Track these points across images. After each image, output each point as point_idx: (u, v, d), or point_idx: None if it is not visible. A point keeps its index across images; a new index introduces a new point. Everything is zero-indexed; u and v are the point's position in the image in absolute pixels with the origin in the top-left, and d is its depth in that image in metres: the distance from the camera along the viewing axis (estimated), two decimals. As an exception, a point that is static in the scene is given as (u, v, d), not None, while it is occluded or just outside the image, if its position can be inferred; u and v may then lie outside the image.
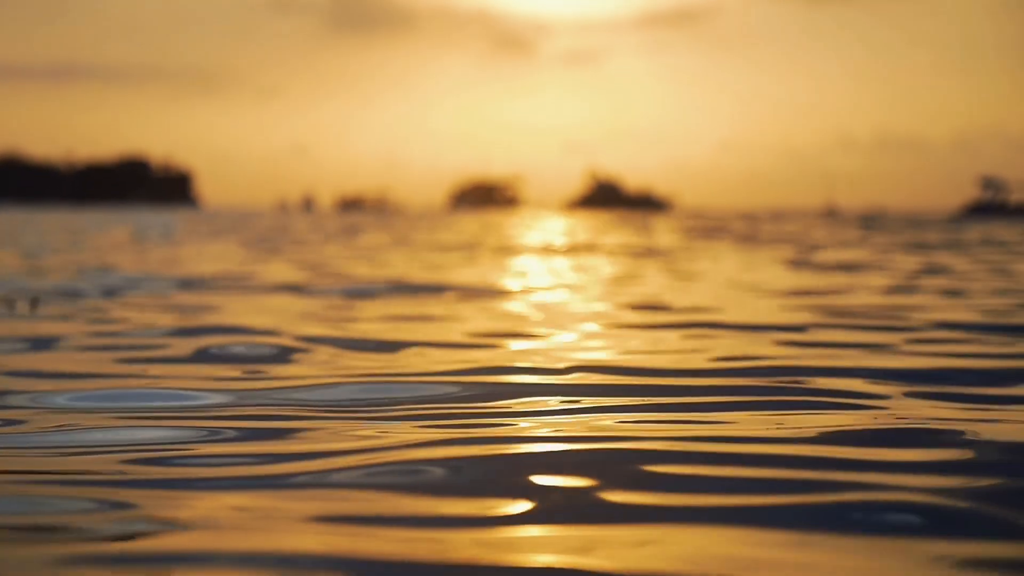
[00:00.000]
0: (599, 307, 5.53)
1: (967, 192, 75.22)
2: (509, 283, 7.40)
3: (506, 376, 3.07)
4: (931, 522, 1.68)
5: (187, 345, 3.75)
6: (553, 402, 2.65)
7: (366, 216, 52.54)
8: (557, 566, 1.49)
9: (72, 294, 6.16)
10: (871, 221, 41.93)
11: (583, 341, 3.97)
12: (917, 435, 2.26)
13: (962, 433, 2.25)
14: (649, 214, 75.65)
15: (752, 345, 3.83)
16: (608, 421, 2.40)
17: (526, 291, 6.65)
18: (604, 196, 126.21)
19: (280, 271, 8.60)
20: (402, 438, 2.24)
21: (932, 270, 9.25)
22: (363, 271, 8.74)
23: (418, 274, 8.31)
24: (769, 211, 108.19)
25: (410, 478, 1.92)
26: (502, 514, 1.71)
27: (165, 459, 2.09)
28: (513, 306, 5.58)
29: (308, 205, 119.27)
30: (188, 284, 6.93)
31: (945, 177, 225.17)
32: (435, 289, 6.72)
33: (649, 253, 11.87)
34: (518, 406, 2.59)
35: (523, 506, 1.76)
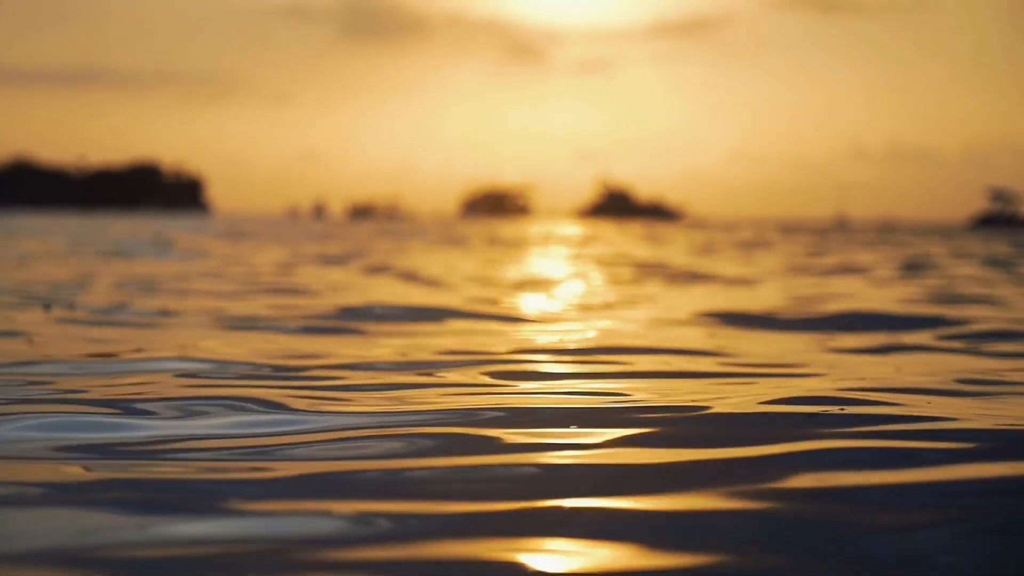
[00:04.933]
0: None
1: (978, 204, 75.02)
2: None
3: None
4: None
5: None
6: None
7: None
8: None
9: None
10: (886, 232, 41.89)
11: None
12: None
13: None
14: (660, 223, 75.65)
15: None
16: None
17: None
18: (615, 205, 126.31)
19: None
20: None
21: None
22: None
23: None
24: (780, 221, 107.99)
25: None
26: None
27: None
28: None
29: (319, 212, 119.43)
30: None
31: (956, 188, 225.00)
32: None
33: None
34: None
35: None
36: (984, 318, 5.49)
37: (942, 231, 48.90)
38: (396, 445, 2.22)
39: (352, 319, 5.12)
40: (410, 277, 8.78)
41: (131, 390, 2.89)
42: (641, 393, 2.87)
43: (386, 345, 4.05)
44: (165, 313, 5.32)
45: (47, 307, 5.54)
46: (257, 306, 5.81)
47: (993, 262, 13.63)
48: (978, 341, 4.44)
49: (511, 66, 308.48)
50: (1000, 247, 21.38)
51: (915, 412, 2.57)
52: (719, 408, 2.60)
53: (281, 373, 3.28)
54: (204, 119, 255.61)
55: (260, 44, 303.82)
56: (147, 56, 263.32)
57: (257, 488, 1.90)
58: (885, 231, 49.84)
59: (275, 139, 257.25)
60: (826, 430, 2.34)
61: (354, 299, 6.31)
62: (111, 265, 9.98)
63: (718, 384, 3.11)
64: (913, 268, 11.60)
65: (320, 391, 2.90)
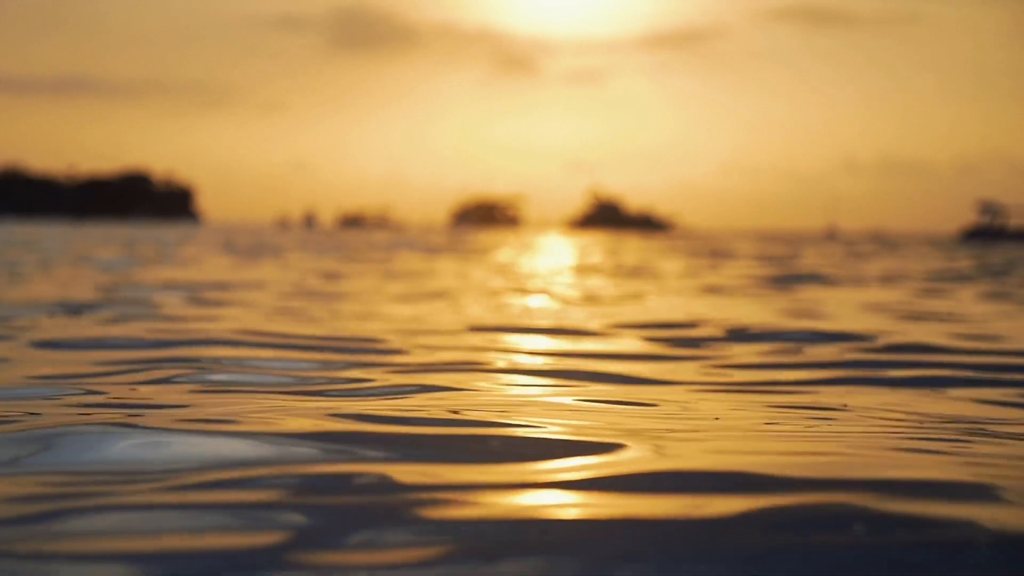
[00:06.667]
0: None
1: (969, 216, 75.23)
2: None
3: None
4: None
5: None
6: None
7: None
8: None
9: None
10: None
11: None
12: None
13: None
14: (650, 235, 75.82)
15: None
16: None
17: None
18: (605, 216, 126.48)
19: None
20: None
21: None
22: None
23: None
24: (770, 233, 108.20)
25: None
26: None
27: None
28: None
29: (310, 222, 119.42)
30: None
31: (949, 201, 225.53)
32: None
33: None
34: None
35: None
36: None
37: (932, 242, 49.07)
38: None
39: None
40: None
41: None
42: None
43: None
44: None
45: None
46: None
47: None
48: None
49: (502, 77, 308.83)
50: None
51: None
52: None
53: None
54: (195, 128, 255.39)
55: (251, 54, 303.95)
56: (138, 65, 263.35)
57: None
58: (876, 241, 49.99)
59: (265, 148, 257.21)
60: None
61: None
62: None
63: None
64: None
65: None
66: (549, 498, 1.87)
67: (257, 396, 3.00)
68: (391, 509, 1.77)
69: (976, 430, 2.71)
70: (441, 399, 2.98)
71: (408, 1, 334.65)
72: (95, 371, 3.49)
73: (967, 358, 4.32)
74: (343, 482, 1.95)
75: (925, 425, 2.75)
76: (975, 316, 6.74)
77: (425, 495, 1.86)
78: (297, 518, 1.73)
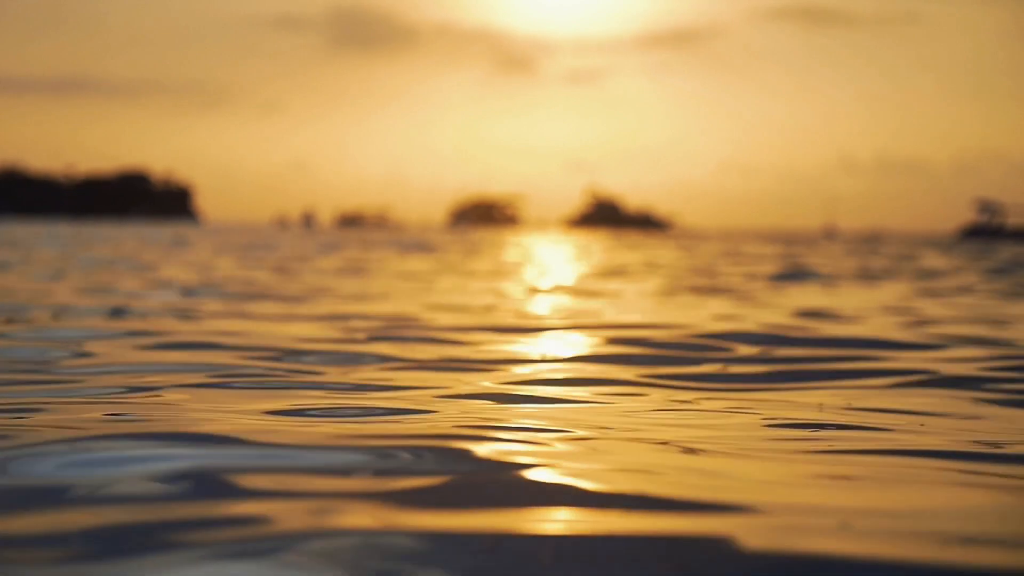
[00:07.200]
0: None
1: (966, 215, 75.29)
2: None
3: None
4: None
5: None
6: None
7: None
8: None
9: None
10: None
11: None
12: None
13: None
14: (649, 234, 75.89)
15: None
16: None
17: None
18: (603, 215, 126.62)
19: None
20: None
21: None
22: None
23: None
24: (770, 232, 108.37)
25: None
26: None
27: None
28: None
29: (308, 221, 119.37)
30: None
31: (947, 200, 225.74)
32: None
33: None
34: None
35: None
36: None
37: (931, 242, 49.14)
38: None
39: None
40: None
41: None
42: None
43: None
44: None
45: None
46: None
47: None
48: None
49: (501, 76, 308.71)
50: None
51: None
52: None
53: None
54: (194, 128, 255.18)
55: (250, 54, 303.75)
56: (137, 65, 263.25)
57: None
58: (874, 240, 50.07)
59: (264, 148, 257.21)
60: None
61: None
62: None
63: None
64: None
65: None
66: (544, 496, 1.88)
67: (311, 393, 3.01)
68: (401, 496, 1.79)
69: (973, 428, 2.73)
70: (447, 398, 3.00)
71: (408, 1, 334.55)
72: (156, 370, 3.50)
73: (969, 353, 4.34)
74: (351, 470, 1.97)
75: (925, 425, 2.76)
76: (977, 315, 6.76)
77: (429, 488, 1.88)
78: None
